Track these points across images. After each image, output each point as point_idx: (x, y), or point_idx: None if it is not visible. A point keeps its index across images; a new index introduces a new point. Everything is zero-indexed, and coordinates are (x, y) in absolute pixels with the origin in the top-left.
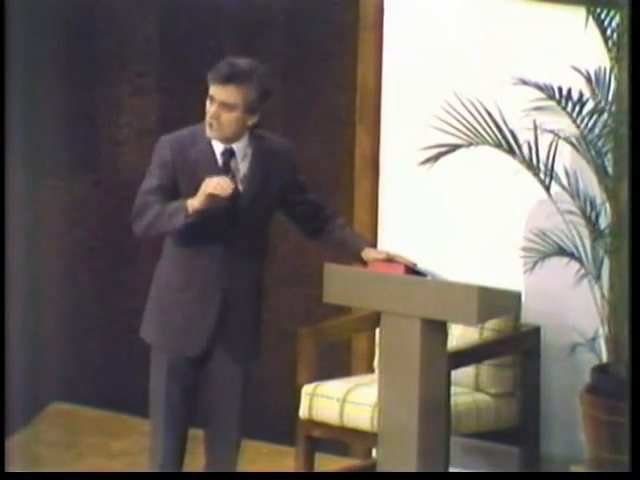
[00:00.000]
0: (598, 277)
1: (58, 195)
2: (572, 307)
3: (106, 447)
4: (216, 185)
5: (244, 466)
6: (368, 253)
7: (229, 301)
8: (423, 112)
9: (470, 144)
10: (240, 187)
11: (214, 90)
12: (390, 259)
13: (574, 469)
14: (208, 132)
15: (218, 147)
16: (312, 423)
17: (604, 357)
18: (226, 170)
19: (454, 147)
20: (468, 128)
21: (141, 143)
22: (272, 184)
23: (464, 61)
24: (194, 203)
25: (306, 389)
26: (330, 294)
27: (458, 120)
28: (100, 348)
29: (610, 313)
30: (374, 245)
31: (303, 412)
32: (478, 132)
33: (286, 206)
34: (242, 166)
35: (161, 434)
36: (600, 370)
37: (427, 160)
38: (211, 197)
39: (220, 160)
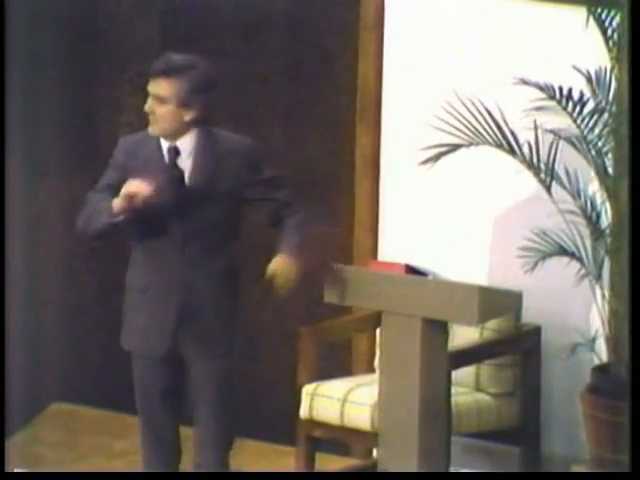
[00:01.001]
0: (598, 277)
1: (58, 195)
2: (572, 307)
3: (107, 447)
4: (133, 185)
5: (244, 466)
6: (276, 261)
7: (190, 300)
8: (423, 112)
9: (470, 144)
10: (187, 184)
11: (149, 84)
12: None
13: (575, 469)
14: (149, 127)
15: (165, 145)
16: (312, 423)
17: (604, 357)
18: (172, 168)
19: (454, 147)
20: (468, 128)
21: None
22: (222, 181)
23: (464, 61)
24: (116, 203)
25: (306, 389)
26: (330, 294)
27: (458, 120)
28: (100, 348)
29: (610, 313)
30: (374, 245)
31: (303, 412)
32: (478, 132)
33: (248, 203)
34: (188, 163)
35: (143, 435)
36: (600, 370)
37: (427, 160)
38: (129, 198)
39: (167, 159)
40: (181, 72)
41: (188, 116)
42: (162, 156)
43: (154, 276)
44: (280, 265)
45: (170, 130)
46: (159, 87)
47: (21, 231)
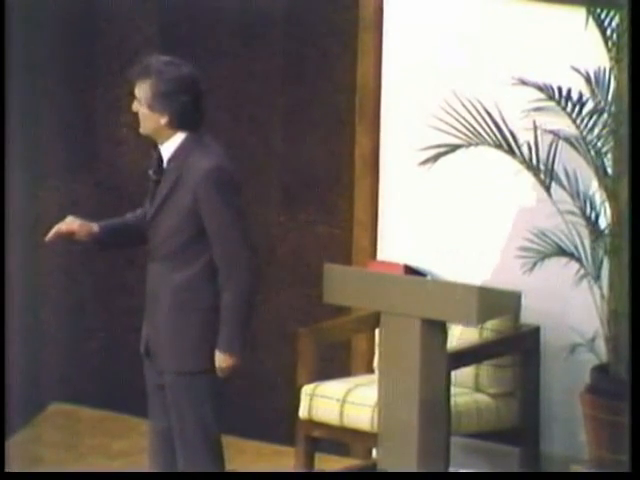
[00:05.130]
0: (598, 277)
1: (58, 195)
2: (572, 307)
3: (106, 447)
4: (64, 223)
5: (244, 466)
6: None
7: (154, 309)
8: (423, 112)
9: (470, 144)
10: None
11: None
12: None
13: (574, 469)
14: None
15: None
16: (312, 423)
17: (604, 357)
18: (153, 174)
19: (454, 147)
20: (468, 128)
21: (141, 143)
22: (182, 196)
23: (463, 61)
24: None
25: (306, 389)
26: (330, 294)
27: (458, 120)
28: (100, 348)
29: (610, 313)
30: (373, 245)
31: (303, 412)
32: (478, 132)
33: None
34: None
35: (151, 437)
36: (600, 370)
37: (427, 160)
38: (59, 235)
39: (154, 164)
40: (147, 75)
41: (163, 120)
42: (154, 161)
43: (147, 280)
44: (218, 362)
45: (151, 131)
46: (136, 88)
47: (21, 231)
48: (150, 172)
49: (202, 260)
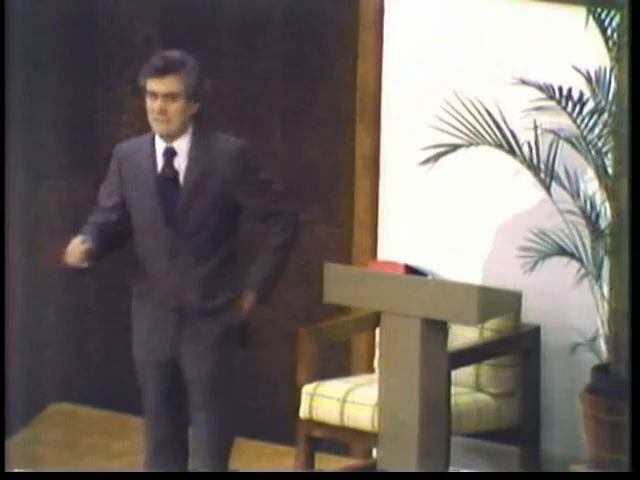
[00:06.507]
0: (598, 277)
1: (58, 195)
2: (572, 307)
3: (106, 447)
4: (69, 255)
5: (244, 466)
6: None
7: (184, 301)
8: (423, 112)
9: (470, 144)
10: (181, 185)
11: (154, 85)
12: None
13: (574, 469)
14: (156, 129)
15: (160, 148)
16: (312, 423)
17: (604, 357)
18: (165, 171)
19: (454, 147)
20: (468, 128)
21: None
22: (216, 183)
23: (464, 61)
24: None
25: (306, 389)
26: (330, 294)
27: (458, 120)
28: (100, 348)
29: (610, 313)
30: (374, 245)
31: (303, 412)
32: (478, 132)
33: (243, 208)
34: (184, 165)
35: (150, 437)
36: (600, 370)
37: (427, 160)
38: (72, 265)
39: (161, 162)
40: (182, 66)
41: (193, 109)
42: (154, 160)
43: (154, 282)
44: (243, 300)
45: (179, 125)
46: (168, 84)
47: (21, 231)
48: (165, 170)
49: (224, 248)
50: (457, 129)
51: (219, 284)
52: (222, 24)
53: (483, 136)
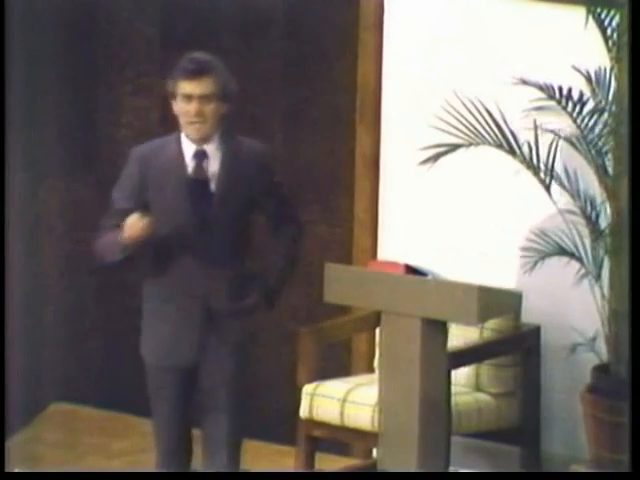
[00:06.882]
0: (598, 277)
1: (58, 195)
2: (572, 307)
3: (106, 447)
4: (129, 229)
5: (244, 466)
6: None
7: (212, 305)
8: (423, 112)
9: (470, 144)
10: (212, 189)
11: (189, 87)
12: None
13: (574, 469)
14: (192, 133)
15: (189, 151)
16: (312, 423)
17: (604, 357)
18: (198, 173)
19: (454, 147)
20: (468, 128)
21: (141, 143)
22: (244, 185)
23: (464, 61)
24: (123, 239)
25: (306, 389)
26: (330, 294)
27: (458, 120)
28: (100, 348)
29: (610, 313)
30: (374, 245)
31: (303, 412)
32: (478, 132)
33: (258, 209)
34: (214, 168)
35: (159, 437)
36: (600, 370)
37: (427, 160)
38: (132, 239)
39: (191, 164)
40: (216, 67)
41: (225, 109)
42: (183, 163)
43: (177, 286)
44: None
45: (213, 129)
46: (203, 86)
47: (21, 231)
48: (196, 173)
49: (248, 251)
50: (457, 129)
51: (246, 286)
52: (222, 24)
53: (483, 136)
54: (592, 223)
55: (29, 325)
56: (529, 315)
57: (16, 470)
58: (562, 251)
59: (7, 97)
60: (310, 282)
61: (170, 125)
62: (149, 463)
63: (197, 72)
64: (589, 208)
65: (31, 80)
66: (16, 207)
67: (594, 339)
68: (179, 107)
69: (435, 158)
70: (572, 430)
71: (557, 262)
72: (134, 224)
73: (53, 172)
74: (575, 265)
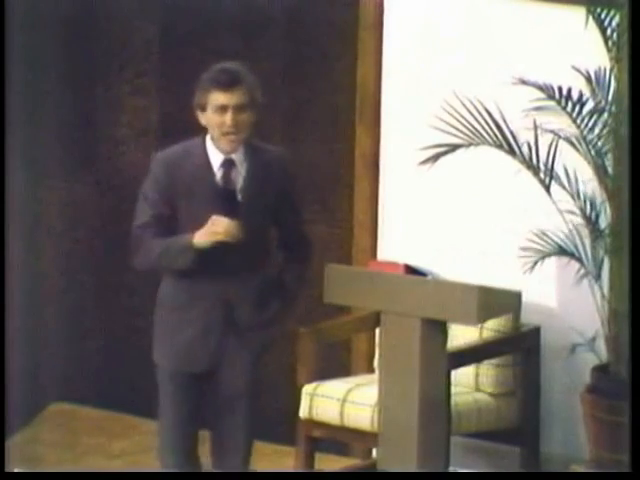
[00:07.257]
0: (598, 277)
1: (58, 195)
2: (572, 307)
3: (106, 447)
4: (220, 223)
5: None
6: None
7: (234, 313)
8: (423, 112)
9: (470, 144)
10: (239, 199)
11: (223, 98)
12: None
13: (574, 469)
14: (226, 145)
15: (216, 160)
16: (312, 423)
17: (604, 357)
18: (225, 183)
19: (454, 147)
20: (468, 128)
21: (141, 143)
22: (268, 195)
23: (464, 61)
24: (200, 242)
25: (306, 389)
26: (330, 294)
27: (458, 120)
28: (100, 348)
29: (610, 313)
30: (373, 245)
31: (303, 412)
32: (478, 132)
33: (275, 219)
34: (240, 177)
35: (169, 439)
36: (600, 370)
37: (427, 160)
38: (215, 234)
39: (219, 173)
40: (246, 76)
41: (254, 119)
42: (211, 171)
43: (198, 294)
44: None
45: (249, 134)
46: (237, 96)
47: (21, 231)
48: (224, 182)
49: (269, 260)
50: (457, 129)
51: (270, 296)
52: (222, 24)
53: (483, 136)
54: (592, 223)
55: (29, 325)
56: (529, 315)
57: (16, 470)
58: (562, 251)
59: (7, 97)
60: (310, 282)
61: (170, 125)
62: (149, 463)
63: (230, 83)
64: (589, 208)
65: (31, 80)
66: (16, 207)
67: (594, 339)
68: (210, 118)
69: (435, 158)
70: (572, 430)
71: (557, 262)
72: (227, 226)
73: (53, 172)
74: (575, 265)
